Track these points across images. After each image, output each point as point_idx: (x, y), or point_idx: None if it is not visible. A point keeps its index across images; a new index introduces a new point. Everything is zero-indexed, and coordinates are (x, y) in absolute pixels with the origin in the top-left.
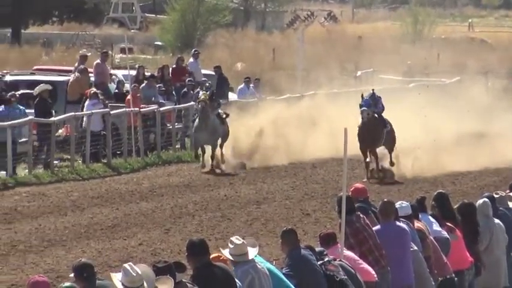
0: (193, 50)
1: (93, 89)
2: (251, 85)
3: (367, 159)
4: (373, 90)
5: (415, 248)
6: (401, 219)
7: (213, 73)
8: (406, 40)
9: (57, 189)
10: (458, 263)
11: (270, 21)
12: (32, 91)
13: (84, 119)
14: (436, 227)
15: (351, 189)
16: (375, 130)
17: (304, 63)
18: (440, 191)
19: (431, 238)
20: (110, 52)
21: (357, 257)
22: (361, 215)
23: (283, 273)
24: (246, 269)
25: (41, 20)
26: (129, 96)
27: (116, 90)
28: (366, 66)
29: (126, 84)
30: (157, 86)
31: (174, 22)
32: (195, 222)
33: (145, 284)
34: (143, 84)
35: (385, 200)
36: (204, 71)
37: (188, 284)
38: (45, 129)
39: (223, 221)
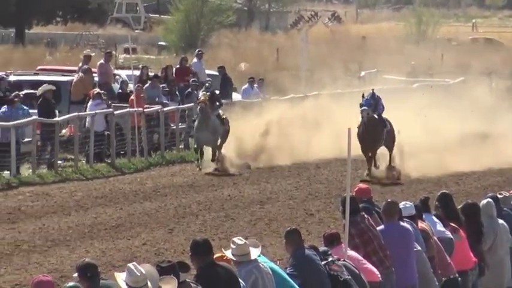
0: (197, 50)
1: (97, 89)
2: (255, 85)
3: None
4: (373, 90)
5: (419, 248)
6: (405, 219)
7: (217, 73)
8: (410, 40)
9: (61, 189)
10: (462, 263)
11: (273, 21)
12: (35, 91)
13: (87, 119)
14: (439, 227)
15: (355, 190)
16: (375, 131)
17: (308, 64)
18: (444, 191)
19: (435, 238)
20: (113, 52)
21: (360, 257)
22: (365, 216)
23: (287, 273)
24: (249, 269)
25: (45, 20)
26: (132, 97)
27: (120, 91)
28: (370, 66)
29: (129, 85)
30: (161, 86)
31: (178, 22)
32: (198, 222)
33: (149, 283)
34: (147, 85)
35: (389, 200)
36: (207, 71)
37: (192, 284)
38: (48, 129)
39: (226, 221)
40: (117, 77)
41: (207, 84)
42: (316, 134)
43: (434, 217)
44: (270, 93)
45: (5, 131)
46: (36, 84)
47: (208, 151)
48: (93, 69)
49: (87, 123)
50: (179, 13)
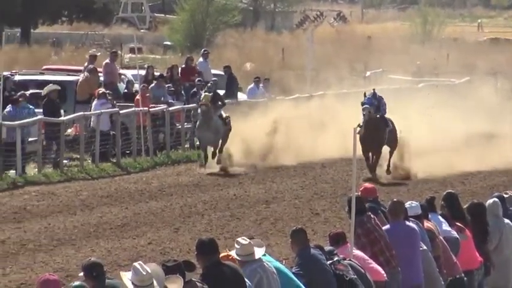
0: (202, 50)
1: (101, 89)
2: (261, 85)
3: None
4: (374, 89)
5: (425, 247)
6: (410, 219)
7: (223, 73)
8: (416, 40)
9: (66, 189)
10: (468, 262)
11: (279, 21)
12: (41, 91)
13: (92, 118)
14: (445, 226)
15: (360, 189)
16: (377, 131)
17: (313, 64)
18: (450, 190)
19: (441, 238)
20: (119, 52)
21: (366, 257)
22: (371, 216)
23: (293, 273)
24: (254, 268)
25: (51, 20)
26: (138, 96)
27: (125, 90)
28: (375, 66)
29: (135, 84)
30: (166, 85)
31: (183, 22)
32: (204, 222)
33: (155, 282)
34: (152, 84)
35: (395, 199)
36: (213, 71)
37: (198, 283)
38: (53, 129)
39: (232, 221)
40: (122, 76)
41: (208, 85)
42: (321, 134)
43: (440, 217)
44: (276, 93)
45: (11, 131)
46: (42, 84)
47: (211, 151)
48: (98, 69)
49: (92, 123)
50: (184, 13)
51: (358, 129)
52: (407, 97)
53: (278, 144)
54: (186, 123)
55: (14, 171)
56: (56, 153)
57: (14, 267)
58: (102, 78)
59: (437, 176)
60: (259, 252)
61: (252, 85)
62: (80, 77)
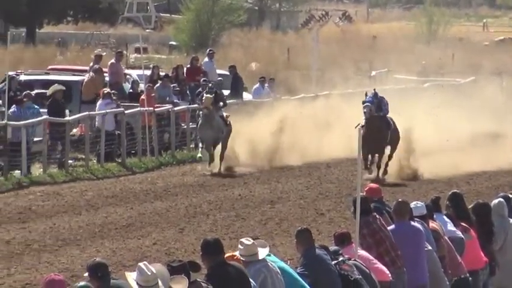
0: (208, 50)
1: (106, 89)
2: (266, 85)
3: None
4: (374, 89)
5: (430, 247)
6: (415, 219)
7: (228, 73)
8: (421, 40)
9: (71, 189)
10: (473, 262)
11: (284, 21)
12: (46, 91)
13: (97, 118)
14: (450, 226)
15: (365, 189)
16: (378, 130)
17: (318, 63)
18: (455, 190)
19: (446, 238)
20: (124, 52)
21: (371, 257)
22: (377, 216)
23: (298, 273)
24: (258, 268)
25: (56, 20)
26: (143, 96)
27: (131, 90)
28: (381, 66)
29: (140, 84)
30: (171, 85)
31: (189, 22)
32: (209, 222)
33: (160, 283)
34: (158, 84)
35: (400, 199)
36: (218, 71)
37: (203, 284)
38: (58, 129)
39: (237, 221)
40: (128, 76)
41: (210, 85)
42: (327, 134)
43: (445, 217)
44: (281, 92)
45: (16, 131)
46: (47, 84)
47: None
48: (104, 69)
49: (96, 123)
50: (190, 12)
51: (359, 127)
52: (412, 97)
53: (283, 144)
54: (191, 123)
55: (19, 171)
56: (61, 153)
57: (18, 267)
58: (107, 78)
59: (443, 176)
60: (262, 253)
61: (257, 85)
62: (86, 77)
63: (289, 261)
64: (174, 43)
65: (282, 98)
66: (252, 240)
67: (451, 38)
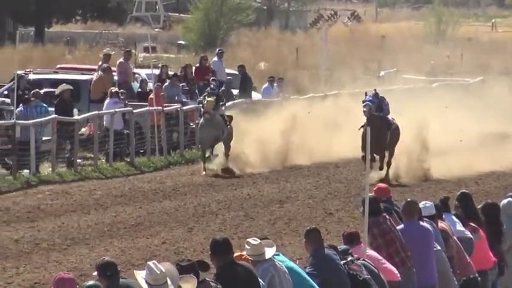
0: (217, 49)
1: (114, 88)
2: (275, 84)
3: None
4: (375, 90)
5: (439, 247)
6: (424, 219)
7: (237, 72)
8: (430, 40)
9: (80, 188)
10: (482, 263)
11: (293, 20)
12: (55, 90)
13: (105, 117)
14: (459, 226)
15: (374, 189)
16: (378, 130)
17: (327, 63)
18: (464, 191)
19: (455, 238)
20: (133, 51)
21: (380, 257)
22: (387, 216)
23: (307, 272)
24: (266, 267)
25: (65, 19)
26: (152, 95)
27: (139, 89)
28: (389, 66)
29: (149, 83)
30: (180, 85)
31: (198, 21)
32: (218, 221)
33: (169, 281)
34: (166, 83)
35: (409, 199)
36: (227, 70)
37: (212, 283)
38: (67, 128)
39: (246, 220)
40: (136, 75)
41: (211, 86)
42: (335, 133)
43: (454, 217)
44: (290, 92)
45: (25, 130)
46: (56, 83)
47: (218, 152)
48: (112, 68)
49: (104, 122)
50: (199, 12)
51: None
52: (421, 97)
53: (292, 144)
54: None
55: (28, 171)
56: (69, 152)
57: (27, 266)
58: (116, 78)
59: (452, 176)
60: (269, 252)
61: (266, 84)
62: (94, 76)
63: (298, 261)
64: (182, 42)
65: (291, 98)
66: (258, 240)
67: (459, 38)
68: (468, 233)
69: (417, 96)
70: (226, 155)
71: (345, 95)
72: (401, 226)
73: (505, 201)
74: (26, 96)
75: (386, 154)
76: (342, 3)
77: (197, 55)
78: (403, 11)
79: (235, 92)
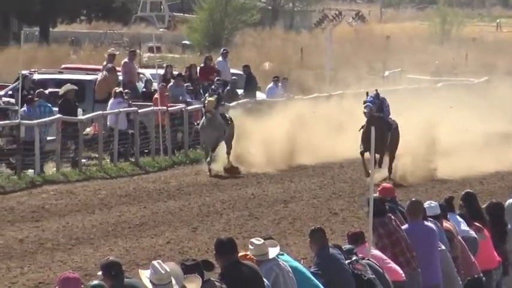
0: (222, 49)
1: (117, 88)
2: (279, 84)
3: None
4: (376, 90)
5: (443, 247)
6: (429, 219)
7: (242, 72)
8: (434, 40)
9: (85, 188)
10: (486, 262)
11: (298, 20)
12: (59, 89)
13: (109, 117)
14: (464, 226)
15: (379, 189)
16: (379, 131)
17: (332, 63)
18: (468, 190)
19: (459, 238)
20: (137, 51)
21: (384, 257)
22: (392, 217)
23: (312, 272)
24: (270, 266)
25: (69, 19)
26: (156, 95)
27: (144, 89)
28: (394, 66)
29: (154, 83)
30: (184, 85)
31: (202, 21)
32: (222, 221)
33: (173, 281)
34: (171, 83)
35: (413, 199)
36: (232, 70)
37: (216, 283)
38: (71, 128)
39: (250, 220)
40: (141, 75)
41: (213, 87)
42: (340, 133)
43: (458, 216)
44: (294, 92)
45: (29, 130)
46: (61, 83)
47: (220, 151)
48: (117, 68)
49: (108, 122)
50: (203, 12)
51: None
52: (426, 97)
53: (297, 144)
54: None
55: (33, 170)
56: (74, 152)
57: (32, 266)
58: (120, 78)
59: (457, 176)
60: (273, 252)
61: (271, 84)
62: (99, 76)
63: (302, 261)
64: (187, 42)
65: (296, 98)
66: (262, 240)
67: (464, 38)
68: (473, 233)
69: (422, 96)
70: (228, 153)
71: (349, 95)
72: (405, 226)
73: (509, 200)
74: (30, 96)
75: (389, 155)
76: (347, 3)
77: (202, 55)
78: (407, 11)
79: (240, 92)
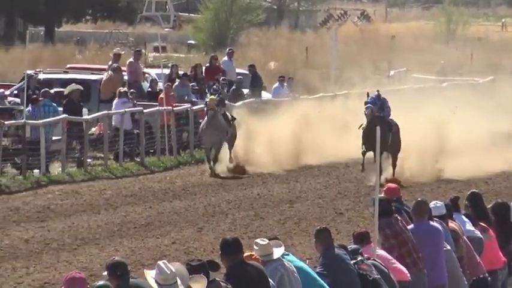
0: (227, 49)
1: (122, 88)
2: (285, 84)
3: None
4: (378, 91)
5: (449, 247)
6: (434, 219)
7: (247, 72)
8: (440, 40)
9: (90, 188)
10: (492, 262)
11: (303, 20)
12: (64, 89)
13: (114, 117)
14: (469, 226)
15: (384, 189)
16: (381, 131)
17: (337, 63)
18: (473, 190)
19: (465, 238)
20: (143, 51)
21: (390, 257)
22: (398, 217)
23: (317, 272)
24: (275, 266)
25: (75, 19)
26: (162, 95)
27: (149, 89)
28: (399, 65)
29: (159, 83)
30: (190, 84)
31: (207, 21)
32: (228, 221)
33: (179, 281)
34: (176, 83)
35: (419, 199)
36: (238, 70)
37: (222, 283)
38: (76, 128)
39: (256, 220)
40: (146, 75)
41: (214, 87)
42: (345, 133)
43: (463, 216)
44: (300, 91)
45: (34, 129)
46: (66, 83)
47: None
48: (122, 68)
49: (113, 122)
50: (208, 11)
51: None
52: (431, 96)
53: (302, 144)
54: None
55: (38, 170)
56: (79, 152)
57: (37, 266)
58: (126, 77)
59: (462, 176)
60: (277, 252)
61: (276, 84)
62: (104, 76)
63: (307, 261)
64: (192, 42)
65: (301, 97)
66: (266, 240)
67: (469, 38)
68: (478, 233)
69: (427, 96)
70: (230, 154)
71: (354, 95)
72: (411, 226)
73: None
74: (34, 96)
75: (391, 156)
76: (352, 2)
77: (207, 55)
78: (413, 10)
79: (245, 91)
